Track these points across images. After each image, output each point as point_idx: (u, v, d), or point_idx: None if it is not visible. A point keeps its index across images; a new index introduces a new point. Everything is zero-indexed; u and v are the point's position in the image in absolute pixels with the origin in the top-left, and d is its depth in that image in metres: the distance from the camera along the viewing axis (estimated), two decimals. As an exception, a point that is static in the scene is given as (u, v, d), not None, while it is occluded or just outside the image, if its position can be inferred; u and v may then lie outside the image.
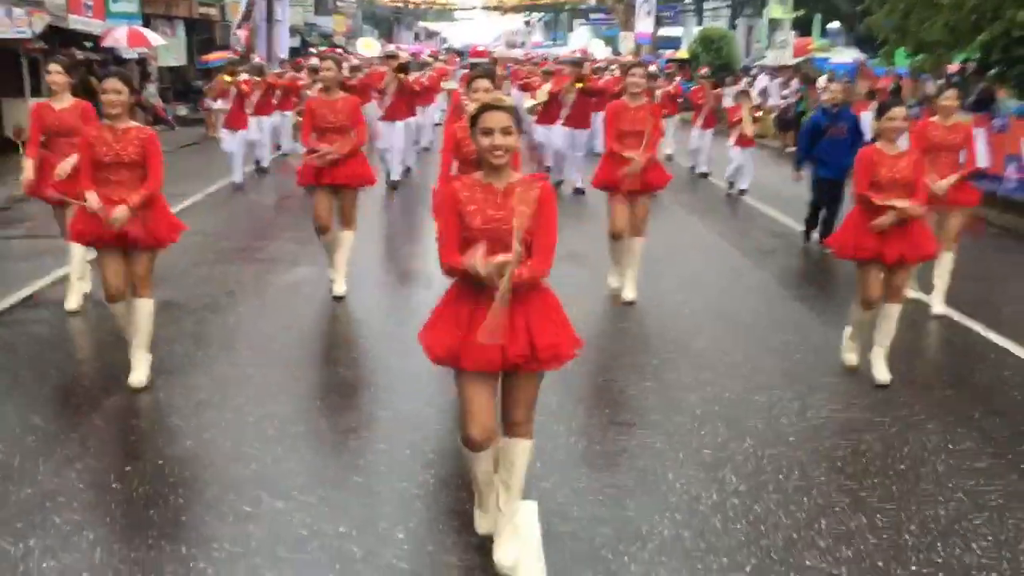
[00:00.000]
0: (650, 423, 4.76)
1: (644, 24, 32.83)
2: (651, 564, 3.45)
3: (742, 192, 12.40)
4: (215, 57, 19.90)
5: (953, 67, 14.82)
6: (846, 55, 21.69)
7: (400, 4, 47.17)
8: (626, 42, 33.79)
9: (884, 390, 5.24)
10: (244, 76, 13.01)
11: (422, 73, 14.48)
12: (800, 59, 22.33)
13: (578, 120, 12.08)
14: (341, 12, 41.29)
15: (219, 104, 12.98)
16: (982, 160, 9.78)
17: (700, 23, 34.87)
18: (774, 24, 27.21)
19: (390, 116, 12.27)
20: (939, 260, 6.56)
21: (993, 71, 12.52)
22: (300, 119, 8.82)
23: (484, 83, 5.05)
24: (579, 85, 11.85)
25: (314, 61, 15.19)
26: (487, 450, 3.29)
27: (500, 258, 3.03)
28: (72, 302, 6.50)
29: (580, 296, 6.88)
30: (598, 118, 11.38)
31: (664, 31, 35.70)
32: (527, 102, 12.92)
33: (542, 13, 54.59)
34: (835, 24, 26.16)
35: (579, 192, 11.93)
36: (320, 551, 3.49)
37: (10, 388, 5.17)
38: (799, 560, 3.50)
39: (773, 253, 9.08)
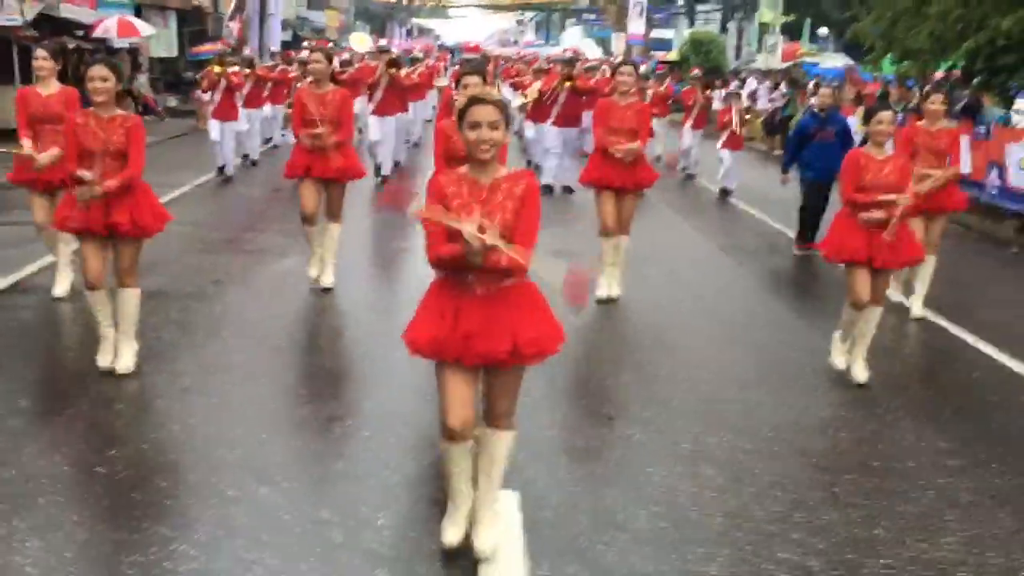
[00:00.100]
0: (630, 416, 4.83)
1: (636, 25, 32.95)
2: (627, 552, 3.51)
3: (728, 193, 12.52)
4: (206, 49, 19.88)
5: (938, 75, 14.98)
6: (835, 60, 21.87)
7: (393, 0, 47.12)
8: (618, 43, 33.91)
9: (861, 389, 5.33)
10: (235, 68, 13.00)
11: (413, 69, 14.53)
12: (788, 63, 22.48)
13: (568, 119, 12.16)
14: (334, 7, 41.24)
15: (210, 96, 12.97)
16: (964, 167, 9.90)
17: (692, 25, 35.03)
18: (764, 28, 27.38)
19: (381, 111, 12.30)
20: (922, 264, 6.64)
21: (977, 79, 12.67)
22: (291, 111, 8.85)
23: (474, 79, 5.09)
24: (568, 84, 11.92)
25: (304, 54, 15.21)
26: (465, 443, 3.30)
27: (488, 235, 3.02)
28: (59, 289, 6.52)
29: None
30: (588, 118, 11.46)
31: (656, 33, 35.84)
32: (517, 100, 13.00)
33: (535, 12, 54.64)
34: (824, 30, 26.36)
35: (568, 190, 12.01)
36: (302, 536, 3.54)
37: (-4, 372, 5.19)
38: (772, 552, 3.57)
39: (756, 253, 9.18)
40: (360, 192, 10.05)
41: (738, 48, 30.61)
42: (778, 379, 5.45)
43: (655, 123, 13.92)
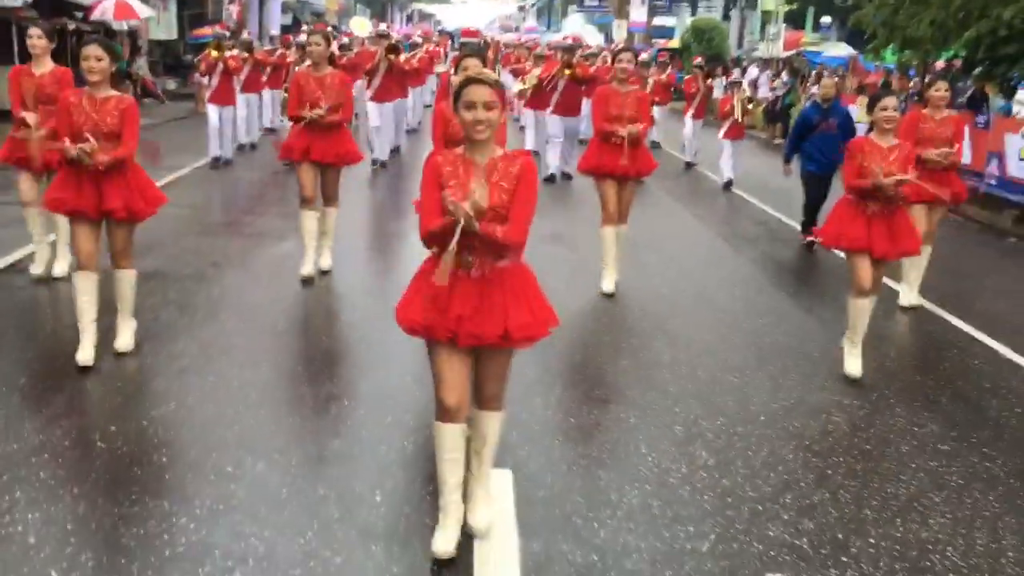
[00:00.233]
0: (625, 399, 4.88)
1: (638, 13, 32.86)
2: (619, 530, 3.56)
3: (730, 183, 12.53)
4: (206, 32, 19.82)
5: (939, 64, 14.98)
6: (838, 49, 21.83)
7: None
8: (620, 30, 33.80)
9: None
10: (234, 52, 12.93)
11: (413, 54, 14.50)
12: (791, 52, 22.46)
13: (568, 107, 12.16)
14: (334, -9, 41.03)
15: (208, 79, 12.92)
16: (964, 156, 9.93)
17: (694, 13, 34.91)
18: (767, 16, 27.32)
19: (380, 97, 12.29)
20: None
21: (978, 69, 12.67)
22: (287, 95, 8.82)
23: (473, 62, 5.09)
24: (567, 72, 11.91)
25: (302, 38, 15.16)
26: (458, 425, 3.31)
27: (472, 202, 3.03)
28: (58, 268, 6.55)
29: (563, 276, 7.01)
30: (588, 105, 11.46)
31: (658, 20, 35.72)
32: (516, 86, 13.00)
33: (536, -1, 54.49)
34: (827, 18, 26.29)
35: (567, 177, 12.03)
36: (299, 511, 3.58)
37: (-4, 349, 5.23)
38: (762, 530, 3.62)
39: (755, 241, 9.21)
40: (356, 177, 10.07)
41: (740, 36, 30.54)
42: (775, 365, 5.49)
43: (656, 111, 13.95)
